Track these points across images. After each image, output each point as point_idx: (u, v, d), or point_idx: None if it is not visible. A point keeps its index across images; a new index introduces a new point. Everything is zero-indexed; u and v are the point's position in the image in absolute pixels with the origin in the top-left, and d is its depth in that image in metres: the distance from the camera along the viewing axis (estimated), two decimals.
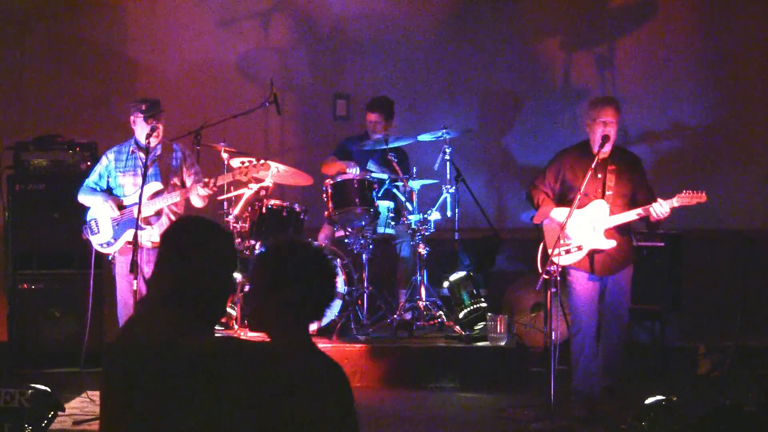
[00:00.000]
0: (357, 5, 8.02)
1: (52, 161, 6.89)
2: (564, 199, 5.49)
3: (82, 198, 5.74)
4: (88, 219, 5.72)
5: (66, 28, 7.92)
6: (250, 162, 5.72)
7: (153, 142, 5.61)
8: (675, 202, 5.25)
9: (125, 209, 5.61)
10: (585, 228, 5.37)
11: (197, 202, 5.76)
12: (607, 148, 5.40)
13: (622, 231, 5.43)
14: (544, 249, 5.51)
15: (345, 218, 6.60)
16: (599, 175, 5.41)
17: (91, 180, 5.77)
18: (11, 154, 6.86)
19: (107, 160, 5.75)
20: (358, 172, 6.72)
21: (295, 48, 8.08)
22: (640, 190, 5.46)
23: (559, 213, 5.42)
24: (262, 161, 5.80)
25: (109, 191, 5.70)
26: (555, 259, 5.24)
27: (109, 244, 5.63)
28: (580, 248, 5.37)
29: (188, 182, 5.77)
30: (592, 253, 5.40)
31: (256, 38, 8.05)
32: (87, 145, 6.92)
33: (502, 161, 8.06)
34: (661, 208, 5.24)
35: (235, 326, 6.68)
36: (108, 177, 5.71)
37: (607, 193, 5.39)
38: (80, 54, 7.90)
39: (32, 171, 6.86)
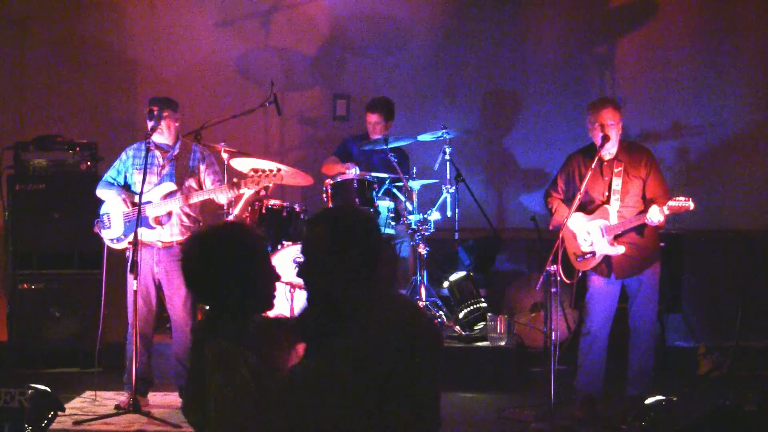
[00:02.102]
0: (357, 5, 8.01)
1: (52, 161, 6.89)
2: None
3: (99, 192, 5.70)
4: (101, 213, 5.68)
5: (66, 28, 7.92)
6: (263, 172, 5.66)
7: (158, 139, 5.58)
8: (665, 210, 5.23)
9: (136, 206, 5.57)
10: (595, 234, 5.36)
11: (221, 200, 5.74)
12: (613, 149, 5.39)
13: (639, 230, 5.38)
14: (565, 254, 5.49)
15: None
16: (606, 178, 5.40)
17: (109, 174, 5.73)
18: (11, 154, 6.87)
19: (126, 155, 5.70)
20: (357, 173, 6.72)
21: (295, 48, 8.08)
22: (649, 185, 5.41)
23: (571, 218, 5.40)
24: (275, 171, 5.72)
25: (126, 187, 5.66)
26: (572, 260, 5.27)
27: (119, 239, 5.60)
28: (594, 254, 5.37)
29: (207, 183, 5.71)
30: (608, 258, 5.38)
31: (256, 38, 8.05)
32: (87, 145, 6.92)
33: (502, 161, 8.06)
34: (653, 216, 5.22)
35: None
36: (126, 173, 5.67)
37: (613, 197, 5.36)
38: (80, 54, 7.89)
39: (32, 171, 6.86)
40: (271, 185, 6.66)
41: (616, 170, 5.38)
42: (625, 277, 5.42)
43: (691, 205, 5.19)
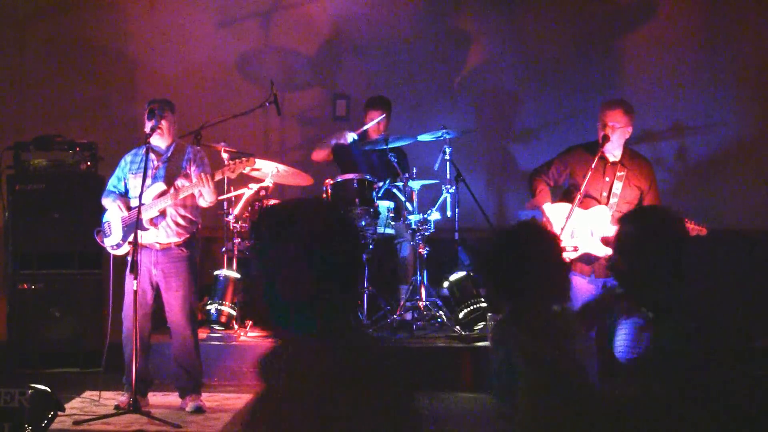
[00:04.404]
0: (357, 5, 8.02)
1: (52, 161, 6.88)
2: (569, 196, 5.49)
3: (102, 201, 5.72)
4: (103, 221, 5.69)
5: (66, 28, 7.92)
6: (237, 160, 5.66)
7: (157, 141, 5.58)
8: None
9: (132, 210, 5.57)
10: (584, 230, 5.36)
11: (202, 202, 5.68)
12: (618, 152, 5.40)
13: None
14: None
15: None
16: (607, 179, 5.40)
17: (110, 183, 5.73)
18: (11, 154, 6.86)
19: (124, 162, 5.69)
20: (356, 137, 6.82)
21: (295, 48, 8.08)
22: (647, 197, 5.44)
23: (550, 209, 5.42)
24: (247, 157, 5.71)
25: (126, 193, 5.66)
26: None
27: (118, 245, 5.60)
28: (575, 249, 5.36)
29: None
30: (590, 257, 5.39)
31: (256, 38, 8.05)
32: (87, 145, 6.92)
33: (502, 161, 8.06)
34: None
35: (235, 326, 6.68)
36: (125, 179, 5.68)
37: (612, 200, 5.37)
38: (80, 54, 7.89)
39: (32, 171, 6.85)
40: (271, 185, 6.68)
41: (618, 174, 5.39)
42: (605, 277, 5.42)
43: (704, 230, 5.26)
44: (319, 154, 7.13)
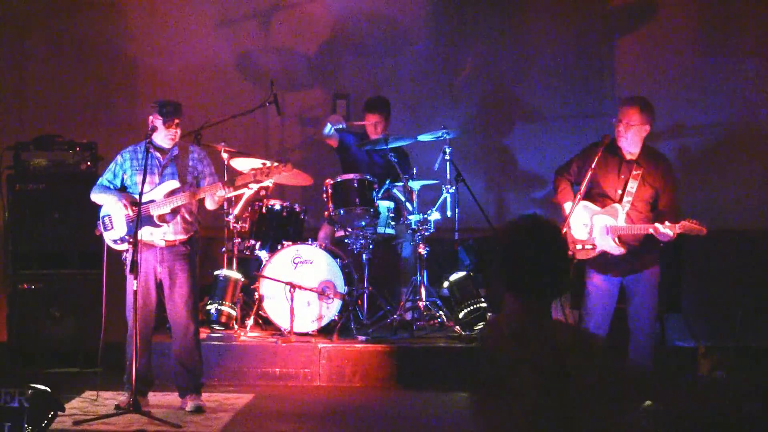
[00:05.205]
0: (357, 5, 8.02)
1: (52, 161, 6.89)
2: (590, 193, 5.50)
3: (95, 196, 5.65)
4: (102, 215, 5.65)
5: (66, 28, 7.92)
6: (272, 164, 5.62)
7: (167, 143, 5.57)
8: (678, 228, 5.26)
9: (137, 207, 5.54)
10: (599, 229, 5.39)
11: (210, 205, 5.67)
12: (635, 149, 5.41)
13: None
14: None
15: (345, 218, 6.60)
16: (622, 176, 5.42)
17: (104, 178, 5.69)
18: (11, 154, 6.86)
19: (122, 158, 5.66)
20: (343, 125, 6.96)
21: (295, 48, 8.08)
22: (662, 196, 5.45)
23: (570, 207, 5.46)
24: (285, 163, 5.68)
25: (123, 189, 5.64)
26: (571, 248, 5.30)
27: (122, 239, 5.57)
28: (594, 247, 5.41)
29: (202, 184, 5.69)
30: (606, 255, 5.40)
31: (256, 38, 8.05)
32: (87, 145, 6.92)
33: (502, 161, 8.05)
34: (665, 230, 5.24)
35: (235, 326, 6.68)
36: (123, 175, 5.64)
37: (626, 198, 5.39)
38: (80, 54, 7.89)
39: (32, 171, 6.86)
40: (271, 185, 6.69)
41: (634, 173, 5.40)
42: (623, 276, 5.44)
43: (704, 230, 5.26)
44: (323, 132, 7.15)
